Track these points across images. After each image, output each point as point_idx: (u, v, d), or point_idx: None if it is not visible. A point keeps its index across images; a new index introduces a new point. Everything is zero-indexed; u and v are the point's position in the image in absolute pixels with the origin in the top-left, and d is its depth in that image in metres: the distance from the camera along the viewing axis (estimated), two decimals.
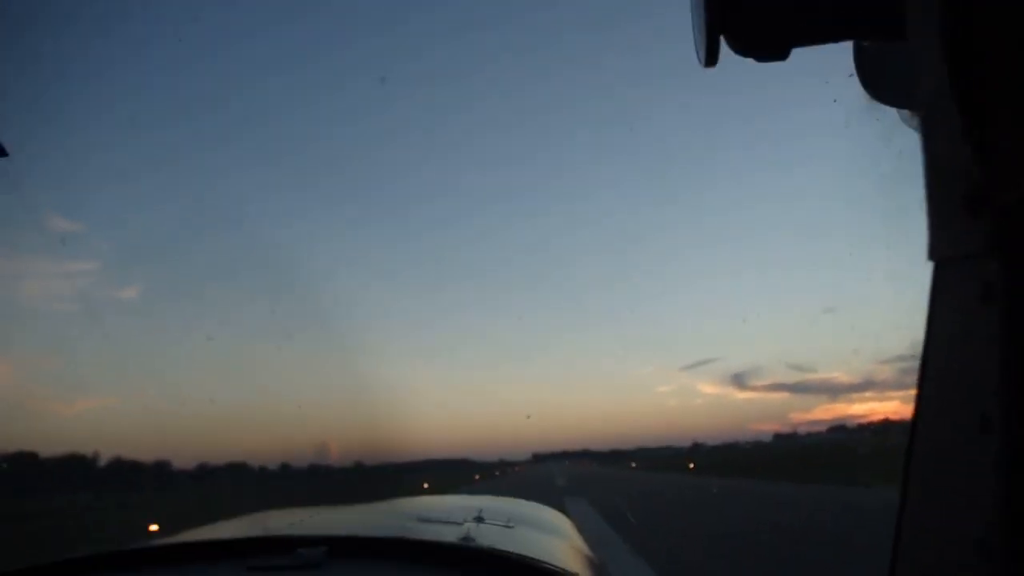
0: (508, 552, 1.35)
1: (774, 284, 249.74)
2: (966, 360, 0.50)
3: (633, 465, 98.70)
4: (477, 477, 71.36)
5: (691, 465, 70.84)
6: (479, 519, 1.66)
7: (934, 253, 0.54)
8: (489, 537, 1.51)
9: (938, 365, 0.55)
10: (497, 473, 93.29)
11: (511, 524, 1.67)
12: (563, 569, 1.31)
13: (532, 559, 1.32)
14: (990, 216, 0.46)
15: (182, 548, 1.43)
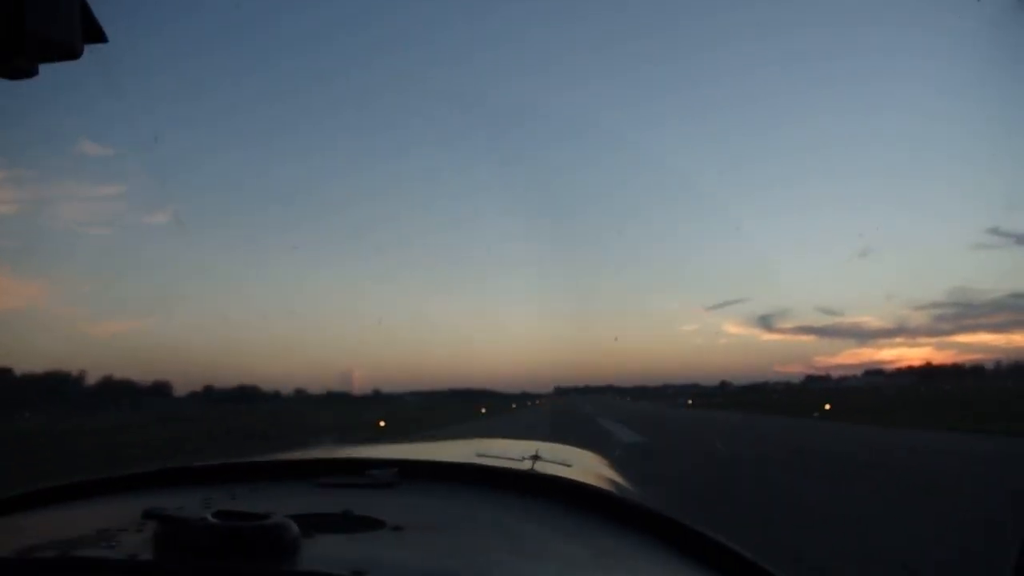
0: (571, 480, 1.45)
1: (806, 225, 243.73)
2: None
3: (689, 402, 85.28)
4: (483, 410, 67.04)
5: (827, 408, 46.10)
6: (536, 457, 1.73)
7: None
8: (549, 470, 1.56)
9: None
10: (514, 405, 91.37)
11: (568, 463, 1.74)
12: (623, 496, 1.41)
13: (593, 487, 1.42)
14: None
15: (254, 466, 1.49)
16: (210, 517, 0.82)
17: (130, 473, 1.39)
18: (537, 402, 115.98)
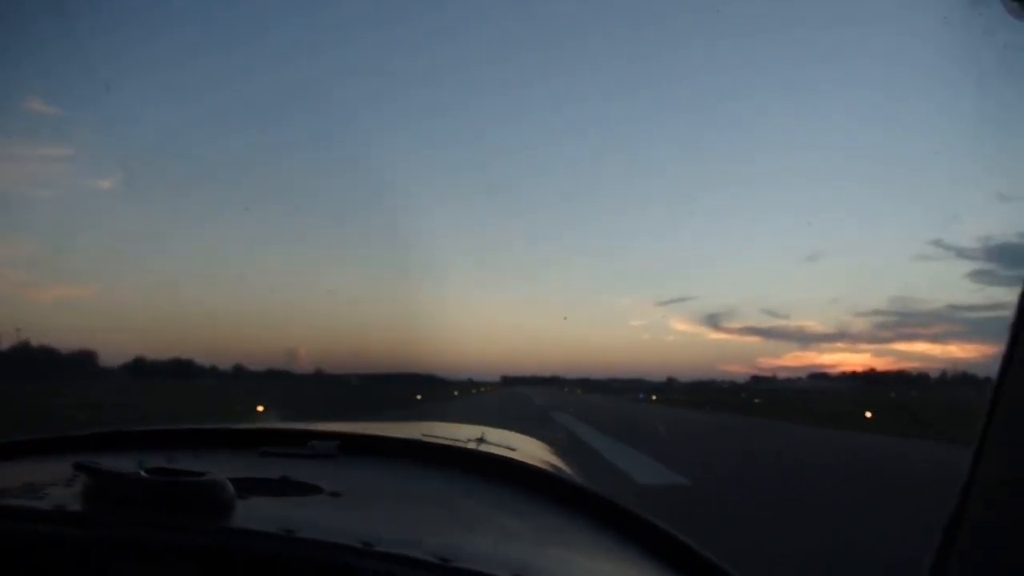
0: (512, 458, 1.48)
1: (758, 226, 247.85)
2: None
3: (653, 398, 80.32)
4: (417, 396, 58.42)
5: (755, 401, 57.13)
6: (481, 440, 1.72)
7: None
8: (493, 452, 1.58)
9: None
10: (456, 393, 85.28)
11: (512, 447, 1.74)
12: (563, 477, 1.45)
13: (533, 466, 1.45)
14: None
15: (195, 433, 1.49)
16: (143, 472, 0.83)
17: (64, 435, 1.38)
18: (483, 390, 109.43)
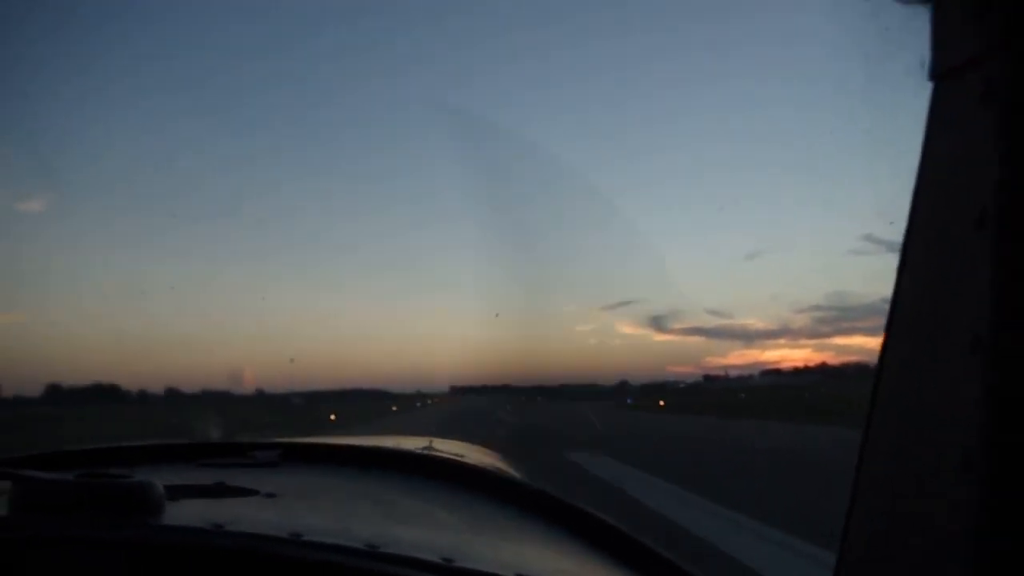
0: (453, 460, 1.50)
1: (697, 228, 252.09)
2: (965, 164, 0.55)
3: (629, 402, 75.67)
4: (332, 417, 56.28)
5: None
6: (429, 448, 1.74)
7: (936, 66, 0.59)
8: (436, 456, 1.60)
9: (936, 176, 0.60)
10: (395, 408, 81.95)
11: (460, 454, 1.74)
12: (504, 475, 1.51)
13: (474, 465, 1.49)
14: (998, 14, 0.52)
15: (134, 449, 1.49)
16: (70, 478, 0.84)
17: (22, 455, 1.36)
18: (430, 402, 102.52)
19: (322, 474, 1.40)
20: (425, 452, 1.57)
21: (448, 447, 1.89)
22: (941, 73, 0.59)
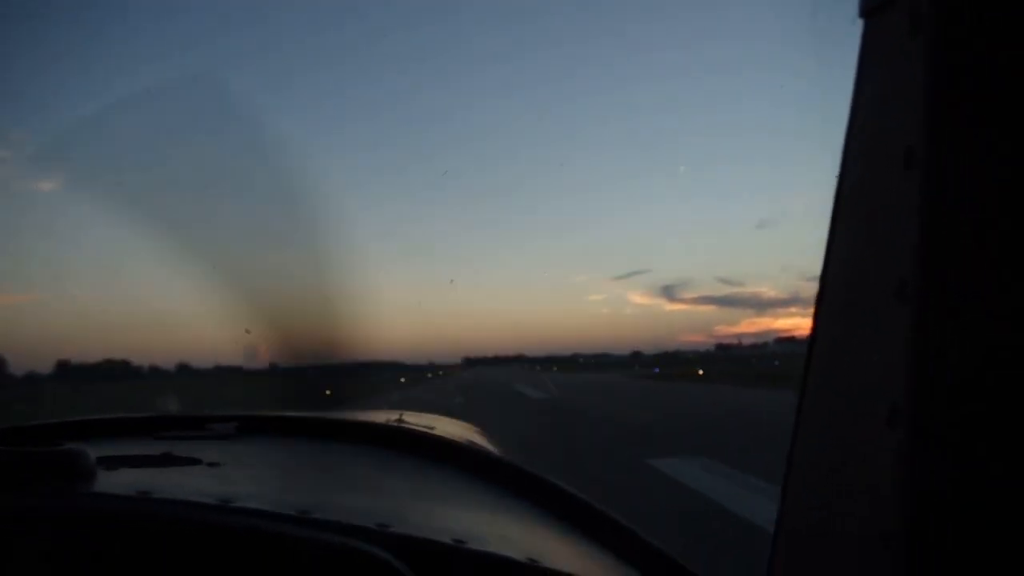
0: (414, 429, 1.45)
1: (707, 197, 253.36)
2: (894, 100, 0.54)
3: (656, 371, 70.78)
4: (403, 380, 52.69)
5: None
6: (400, 420, 1.64)
7: (865, 2, 0.59)
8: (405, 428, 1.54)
9: (865, 116, 0.58)
10: (429, 376, 79.74)
11: (431, 426, 1.62)
12: (471, 447, 1.41)
13: (436, 436, 1.41)
14: None
15: (90, 423, 1.43)
16: None
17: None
18: (441, 373, 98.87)
19: (275, 445, 1.37)
20: (389, 424, 1.51)
21: (419, 419, 1.78)
22: (870, 9, 0.58)
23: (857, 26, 0.59)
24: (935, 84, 0.49)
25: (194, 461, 1.05)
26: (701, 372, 56.37)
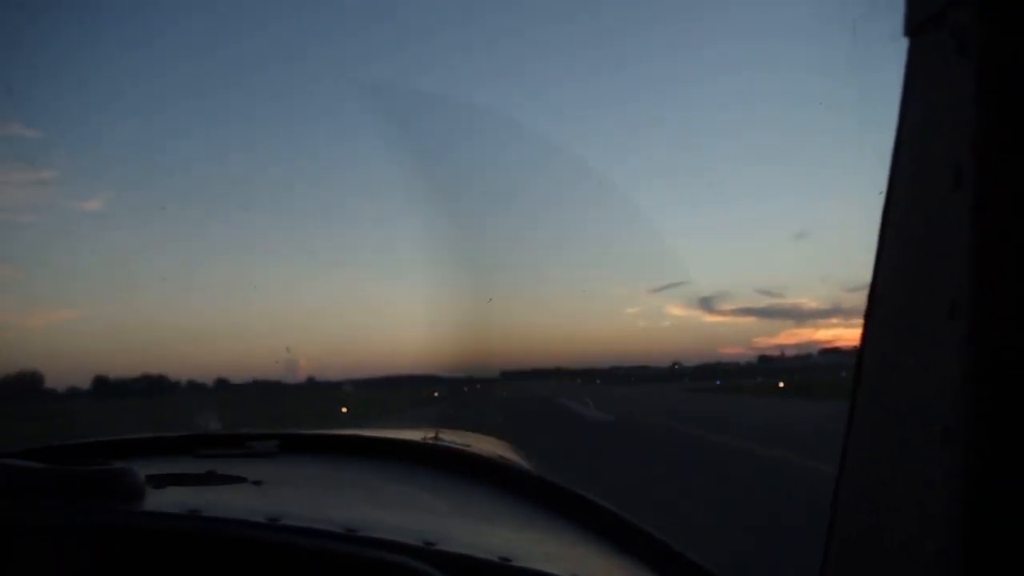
0: (453, 447, 1.47)
1: (745, 208, 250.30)
2: (942, 118, 0.53)
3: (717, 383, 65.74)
4: (436, 394, 51.00)
5: None
6: (436, 438, 1.68)
7: (910, 21, 0.58)
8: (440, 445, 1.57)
9: (912, 136, 0.58)
10: (465, 390, 78.27)
11: (468, 444, 1.68)
12: (506, 464, 1.43)
13: (474, 454, 1.45)
14: None
15: (131, 443, 1.49)
16: (48, 466, 0.83)
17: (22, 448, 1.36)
18: (478, 387, 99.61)
19: (316, 463, 1.40)
20: (426, 442, 1.55)
21: (455, 437, 1.82)
22: (915, 28, 0.57)
23: (902, 42, 0.58)
24: (983, 103, 0.49)
25: (239, 479, 1.07)
26: (783, 384, 49.83)
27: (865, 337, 0.61)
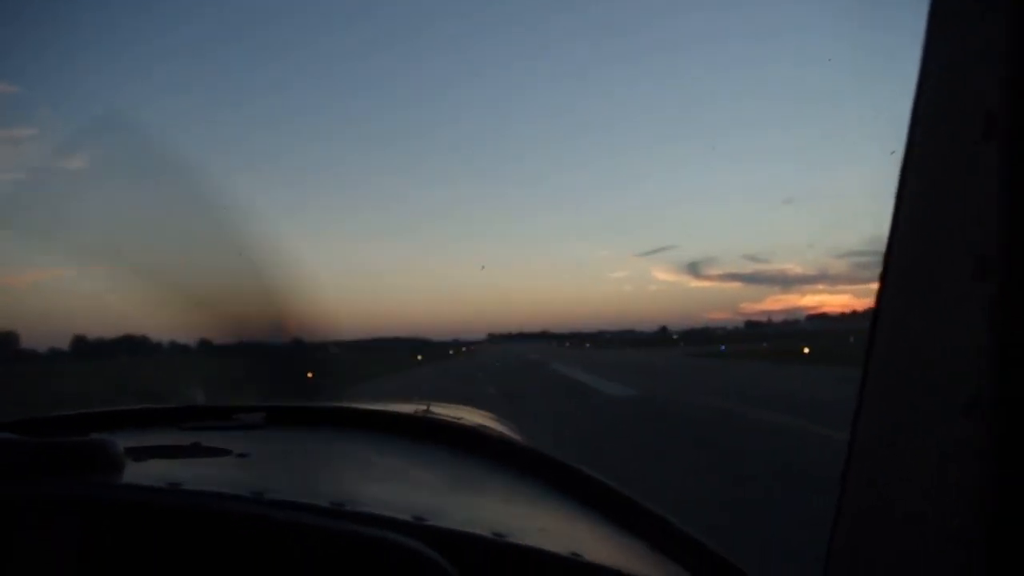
0: (441, 419, 1.46)
1: (733, 172, 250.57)
2: (971, 65, 0.51)
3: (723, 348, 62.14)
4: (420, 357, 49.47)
5: None
6: (427, 411, 1.64)
7: None
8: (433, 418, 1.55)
9: (937, 84, 0.55)
10: (451, 353, 78.02)
11: (457, 417, 1.64)
12: (497, 436, 1.42)
13: (462, 424, 1.44)
14: None
15: (116, 414, 1.46)
16: (26, 438, 0.82)
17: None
18: (464, 350, 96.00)
19: (304, 436, 1.38)
20: (418, 414, 1.52)
21: (447, 410, 1.79)
22: None
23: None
24: (1018, 46, 0.46)
25: (223, 452, 1.05)
26: (807, 350, 43.88)
27: (880, 299, 0.58)
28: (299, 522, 0.72)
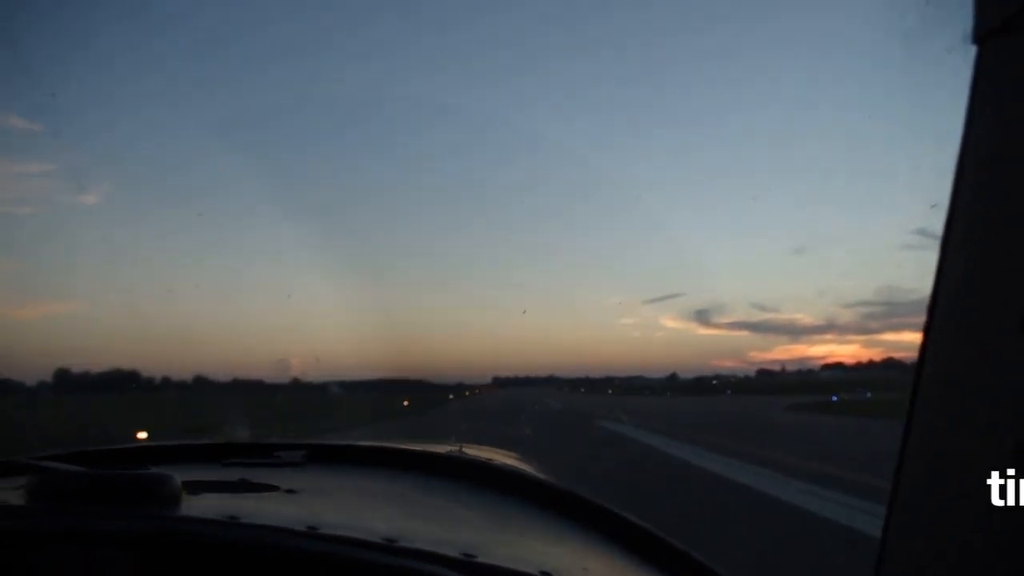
0: (477, 459, 1.53)
1: (741, 221, 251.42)
2: (1012, 130, 0.53)
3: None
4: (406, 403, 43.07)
5: None
6: (459, 451, 1.72)
7: (978, 28, 0.58)
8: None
9: (981, 146, 0.57)
10: (451, 397, 76.22)
11: (488, 459, 1.70)
12: (528, 475, 1.48)
13: (498, 465, 1.50)
14: None
15: (160, 449, 1.53)
16: (88, 470, 0.86)
17: (21, 459, 1.35)
18: (467, 394, 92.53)
19: (346, 474, 1.43)
20: (452, 454, 1.59)
21: (477, 451, 1.87)
22: (982, 35, 0.57)
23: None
24: None
25: (271, 487, 1.09)
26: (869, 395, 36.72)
27: (925, 351, 0.60)
28: (354, 557, 0.76)
